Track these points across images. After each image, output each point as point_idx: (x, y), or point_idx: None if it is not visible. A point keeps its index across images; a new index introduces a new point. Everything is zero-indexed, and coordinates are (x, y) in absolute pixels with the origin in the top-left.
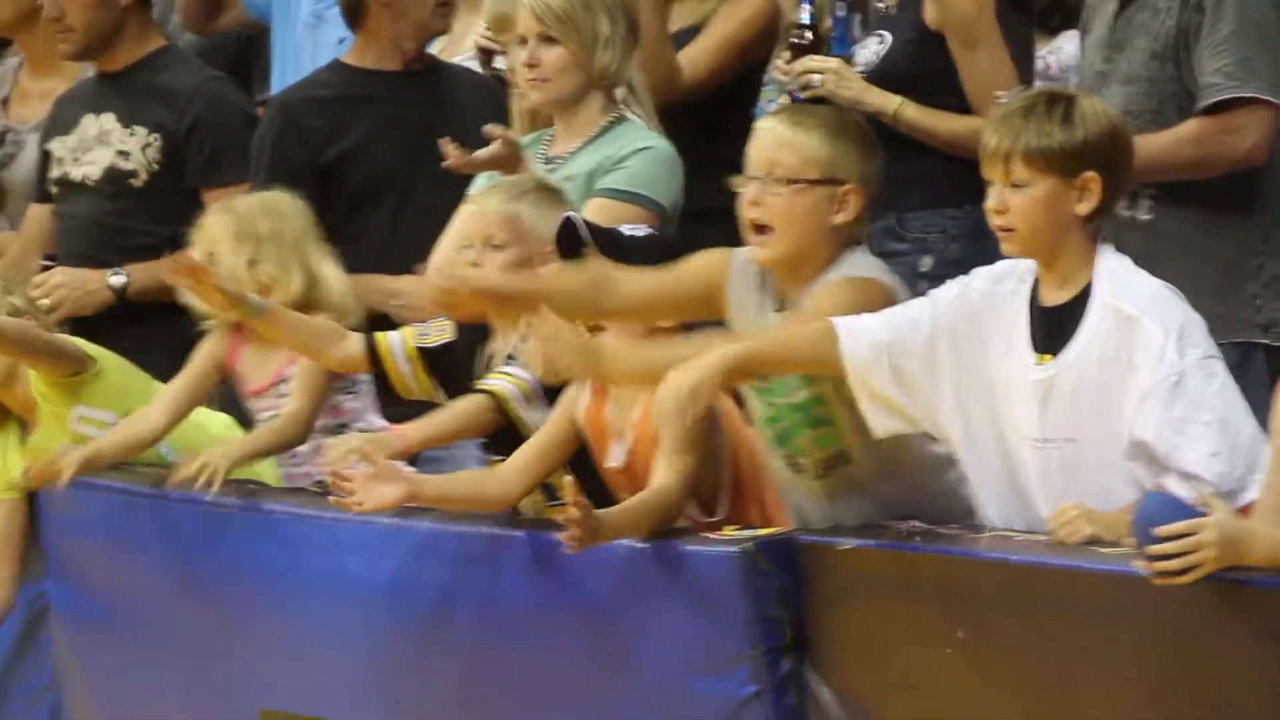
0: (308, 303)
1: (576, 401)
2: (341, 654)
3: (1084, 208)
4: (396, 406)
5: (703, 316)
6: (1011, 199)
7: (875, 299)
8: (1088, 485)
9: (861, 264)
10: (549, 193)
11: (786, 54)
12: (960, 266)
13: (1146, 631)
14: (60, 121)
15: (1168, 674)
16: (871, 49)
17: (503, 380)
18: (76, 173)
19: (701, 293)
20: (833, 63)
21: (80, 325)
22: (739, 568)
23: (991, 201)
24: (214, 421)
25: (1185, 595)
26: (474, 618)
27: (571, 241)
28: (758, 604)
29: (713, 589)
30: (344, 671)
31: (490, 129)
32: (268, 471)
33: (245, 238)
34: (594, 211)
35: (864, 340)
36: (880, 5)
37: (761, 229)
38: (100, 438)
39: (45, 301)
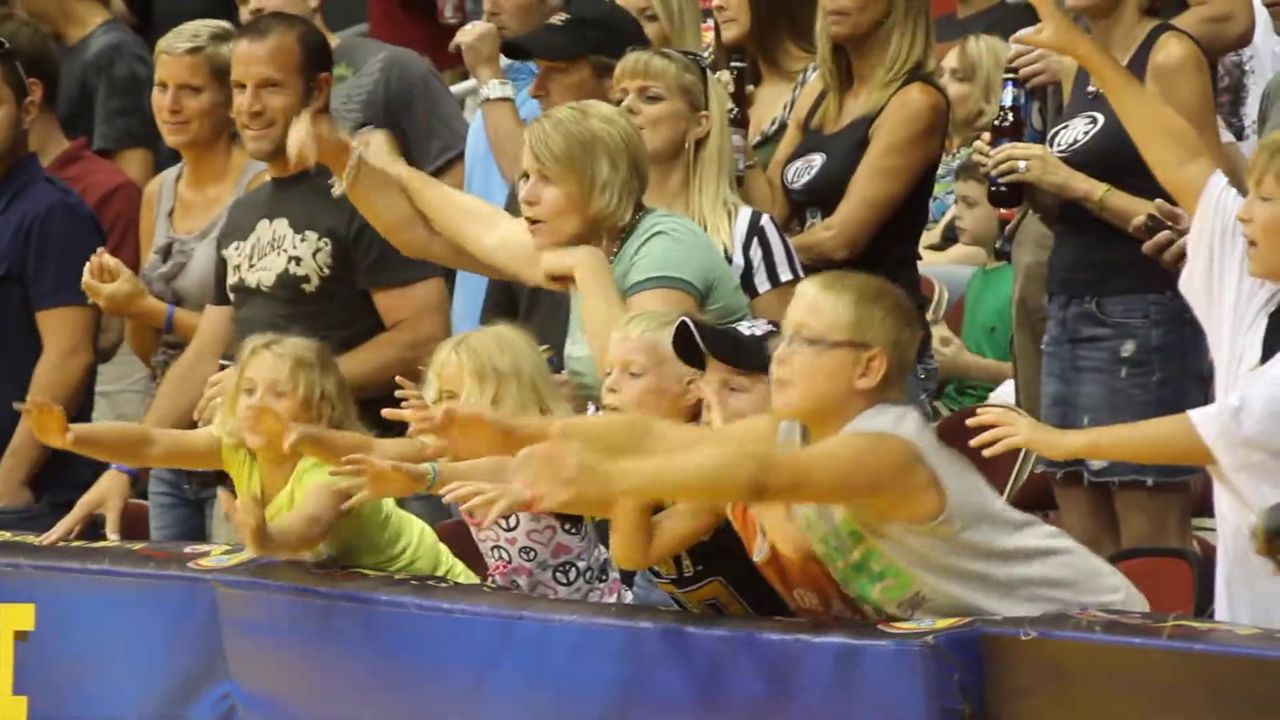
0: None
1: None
2: None
3: None
4: None
5: None
6: (1257, 210)
7: (885, 453)
8: None
9: (877, 418)
10: (670, 322)
11: (986, 137)
12: (1162, 352)
13: None
14: (236, 227)
15: None
16: (1078, 129)
17: None
18: (252, 278)
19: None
20: (1036, 148)
21: None
22: (920, 662)
23: (1242, 211)
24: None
25: None
26: (649, 716)
27: (690, 346)
28: (939, 697)
29: (894, 683)
30: None
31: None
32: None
33: (486, 376)
34: (630, 310)
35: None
36: (1092, 88)
37: (783, 384)
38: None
39: (219, 401)
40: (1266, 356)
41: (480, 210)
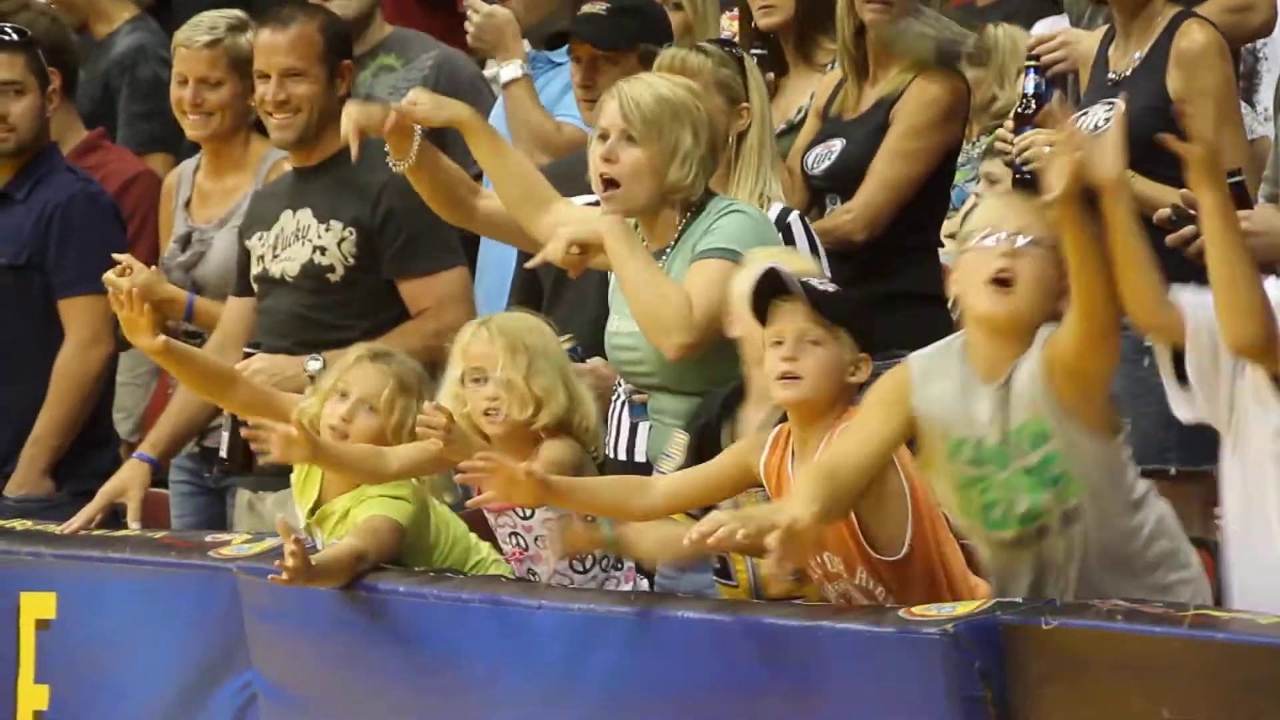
0: (565, 424)
1: (754, 449)
2: None
3: None
4: None
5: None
6: None
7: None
8: None
9: None
10: None
11: (1009, 124)
12: None
13: None
14: (259, 218)
15: None
16: (1098, 116)
17: None
18: (276, 269)
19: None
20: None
21: None
22: (942, 649)
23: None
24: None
25: None
26: (679, 698)
27: (774, 288)
28: (961, 684)
29: (916, 670)
30: None
31: None
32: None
33: (518, 350)
34: (695, 274)
35: (1204, 313)
36: (1112, 74)
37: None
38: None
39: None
40: None
41: (538, 189)
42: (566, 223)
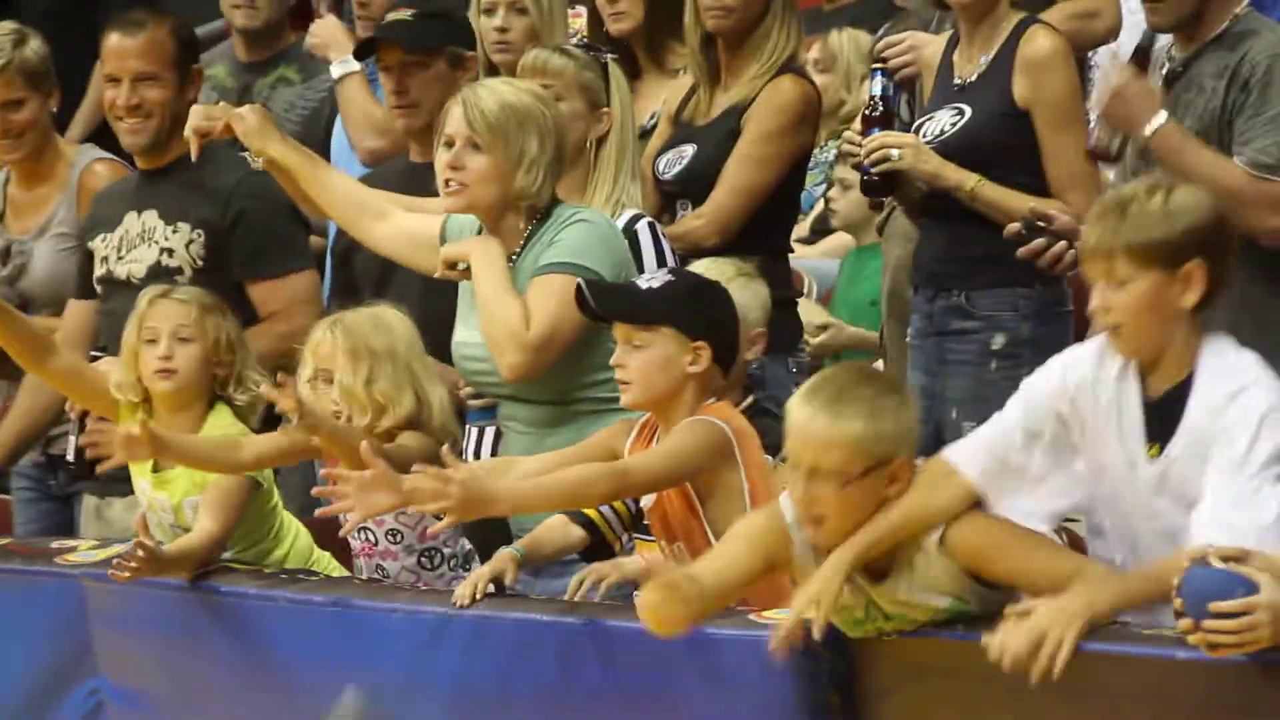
0: (414, 423)
1: (622, 434)
2: None
3: (1190, 298)
4: None
5: None
6: (1115, 297)
7: None
8: None
9: None
10: (744, 272)
11: (857, 126)
12: (1032, 345)
13: (1194, 715)
14: (101, 219)
15: None
16: (944, 121)
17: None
18: (121, 270)
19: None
20: (909, 137)
21: None
22: (792, 654)
23: (1096, 301)
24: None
25: (1232, 678)
26: (535, 705)
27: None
28: (810, 688)
29: (764, 673)
30: None
31: None
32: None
33: (360, 355)
34: (535, 289)
35: (980, 455)
36: (958, 80)
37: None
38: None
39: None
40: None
41: (370, 202)
42: (398, 236)
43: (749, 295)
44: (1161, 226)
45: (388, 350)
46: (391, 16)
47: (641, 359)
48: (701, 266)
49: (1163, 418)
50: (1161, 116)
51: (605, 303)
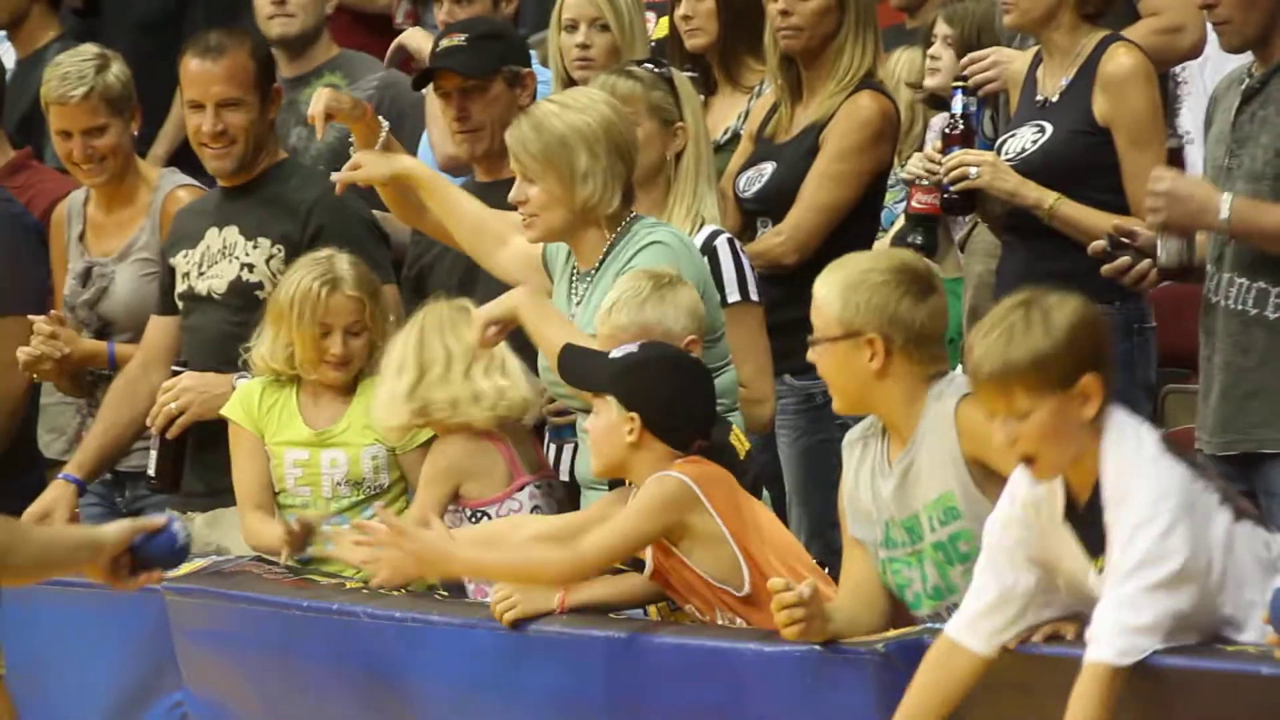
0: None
1: (620, 499)
2: None
3: (1090, 411)
4: None
5: None
6: (1020, 429)
7: None
8: None
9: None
10: (663, 284)
11: (938, 144)
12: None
13: None
14: (184, 235)
15: None
16: (1026, 138)
17: None
18: (202, 286)
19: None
20: (988, 155)
21: (203, 428)
22: (871, 669)
23: (999, 436)
24: None
25: None
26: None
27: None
28: (891, 704)
29: (846, 691)
30: None
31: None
32: None
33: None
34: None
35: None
36: (1040, 97)
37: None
38: None
39: (173, 406)
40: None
41: (491, 225)
42: (519, 258)
43: (667, 307)
44: (1049, 349)
45: (441, 369)
46: (445, 43)
47: (595, 424)
48: (620, 282)
49: (1091, 527)
50: (1225, 195)
51: (566, 368)
